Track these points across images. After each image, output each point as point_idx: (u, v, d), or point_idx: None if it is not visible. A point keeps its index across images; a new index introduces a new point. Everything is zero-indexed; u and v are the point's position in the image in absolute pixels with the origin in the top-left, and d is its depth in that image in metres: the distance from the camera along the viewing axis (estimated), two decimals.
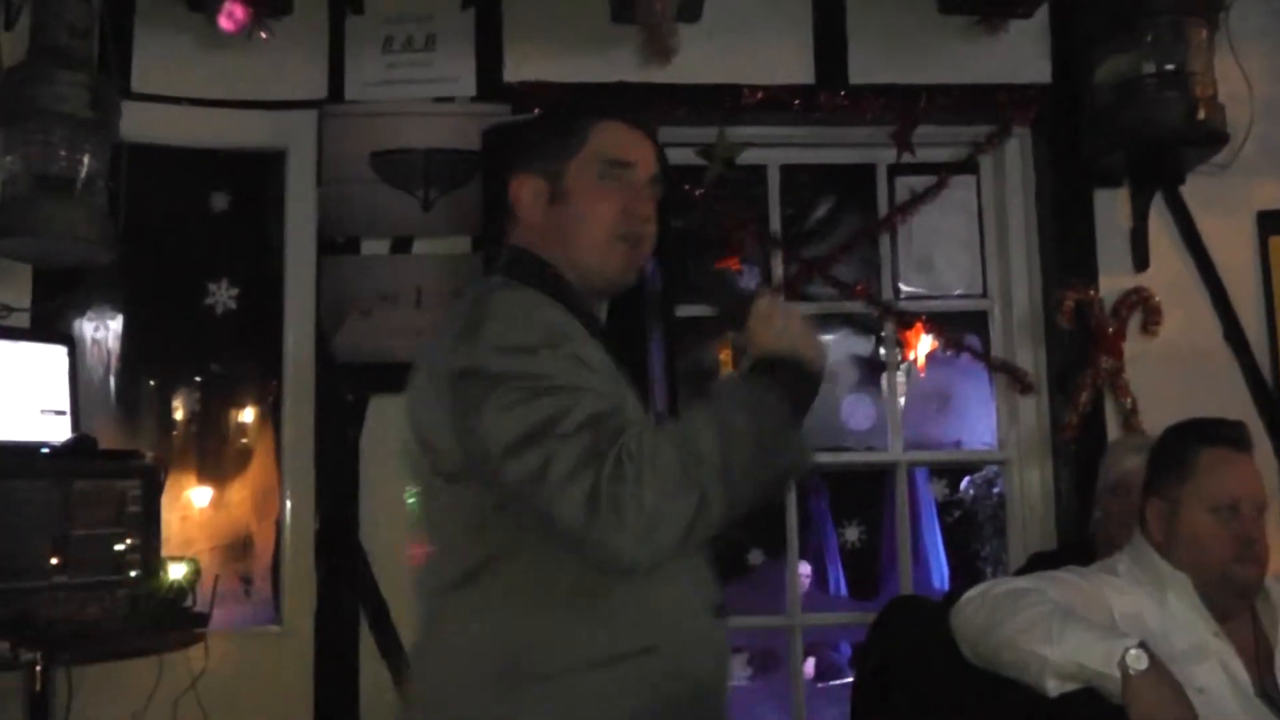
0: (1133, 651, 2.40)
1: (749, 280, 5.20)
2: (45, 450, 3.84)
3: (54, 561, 3.56)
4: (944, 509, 8.30)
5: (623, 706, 2.10)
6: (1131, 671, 2.39)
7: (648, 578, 2.05)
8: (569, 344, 2.10)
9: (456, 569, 2.19)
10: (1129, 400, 4.66)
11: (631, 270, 2.34)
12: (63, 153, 4.01)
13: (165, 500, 4.00)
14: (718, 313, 2.29)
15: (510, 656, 2.11)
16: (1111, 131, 4.61)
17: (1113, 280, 4.78)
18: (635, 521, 1.93)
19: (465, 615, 2.17)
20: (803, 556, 5.41)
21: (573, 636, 2.11)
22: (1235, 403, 4.63)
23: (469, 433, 2.07)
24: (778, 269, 4.97)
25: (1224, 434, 2.88)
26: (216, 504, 4.81)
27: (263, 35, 4.42)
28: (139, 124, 4.39)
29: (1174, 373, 4.70)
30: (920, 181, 4.98)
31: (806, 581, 7.44)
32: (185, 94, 4.66)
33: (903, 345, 4.92)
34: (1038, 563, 3.86)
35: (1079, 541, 4.18)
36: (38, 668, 3.49)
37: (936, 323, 4.91)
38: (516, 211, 2.39)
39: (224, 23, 4.32)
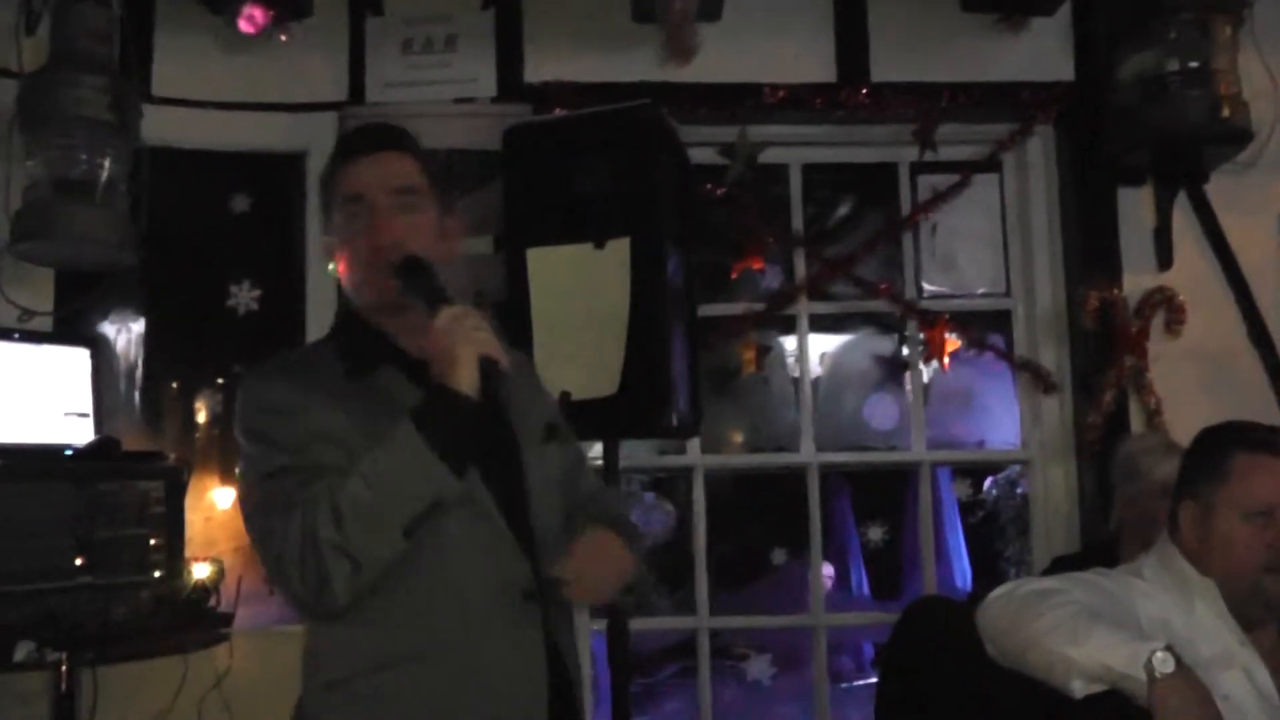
0: (1159, 654, 2.38)
1: (770, 280, 5.18)
2: (68, 452, 3.86)
3: (78, 562, 3.57)
4: (967, 509, 8.30)
5: (410, 706, 2.27)
6: (1157, 674, 2.37)
7: (423, 581, 2.26)
8: (276, 424, 2.31)
9: None
10: (1153, 400, 4.64)
11: (386, 290, 2.38)
12: (83, 156, 4.03)
13: (188, 501, 4.01)
14: (419, 300, 2.34)
15: (319, 665, 2.37)
16: (1135, 129, 4.59)
17: (1136, 279, 4.76)
18: (289, 582, 2.21)
19: (306, 633, 2.43)
20: (825, 556, 5.38)
21: (354, 642, 2.30)
22: (1259, 402, 4.61)
23: None
24: (800, 268, 4.96)
25: (1261, 439, 2.82)
26: None
27: (282, 37, 4.43)
28: (159, 127, 4.40)
29: (1198, 372, 4.69)
30: (943, 180, 4.96)
31: (829, 582, 7.43)
32: (206, 97, 4.68)
33: (926, 344, 4.89)
34: (1061, 566, 3.84)
35: (1102, 544, 4.16)
36: (63, 668, 3.51)
37: (960, 322, 4.89)
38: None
39: (244, 25, 4.33)
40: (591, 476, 2.79)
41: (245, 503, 2.34)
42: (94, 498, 3.64)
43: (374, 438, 2.21)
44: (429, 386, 2.23)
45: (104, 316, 4.61)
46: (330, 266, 2.54)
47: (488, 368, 2.21)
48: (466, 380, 2.19)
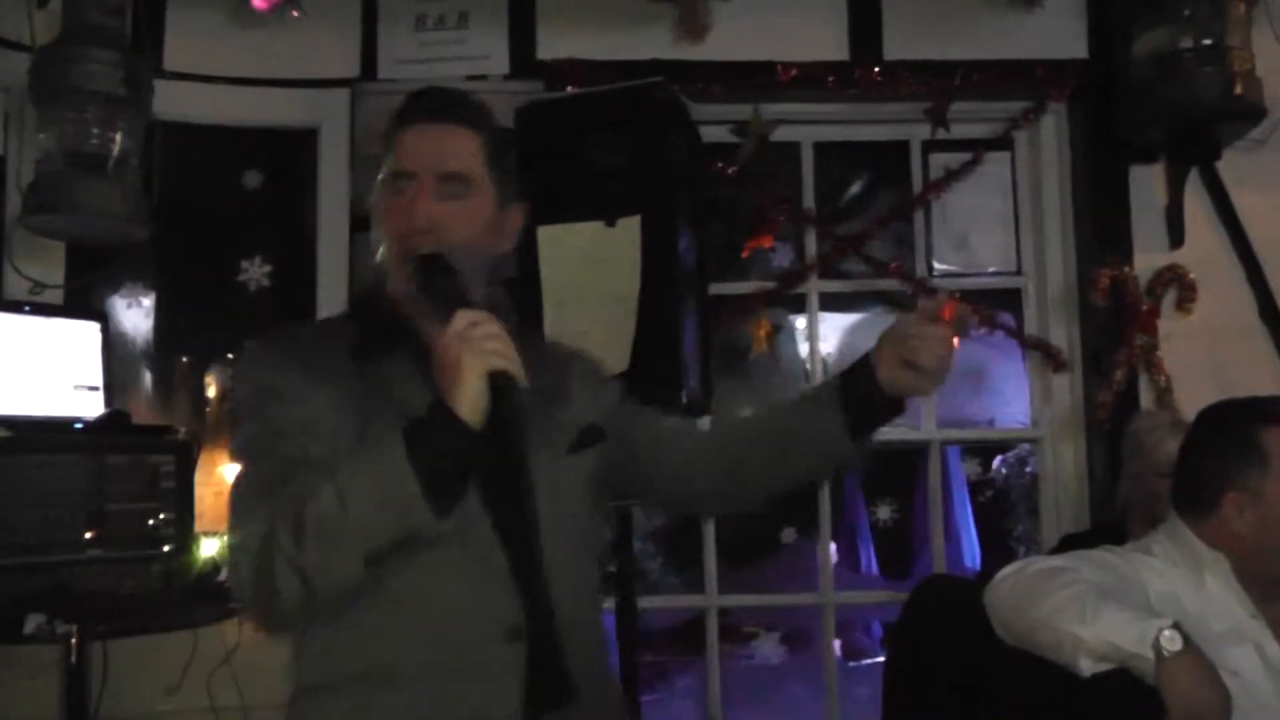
0: (1166, 633, 2.37)
1: (781, 258, 5.18)
2: (79, 425, 3.86)
3: (88, 535, 3.58)
4: (976, 488, 8.28)
5: None
6: (1165, 653, 2.36)
7: (405, 602, 2.08)
8: (268, 405, 2.19)
9: None
10: (1163, 378, 4.63)
11: (416, 285, 2.19)
12: (95, 131, 4.02)
13: (198, 476, 4.01)
14: (430, 301, 2.16)
15: (303, 665, 2.18)
16: (1148, 107, 4.57)
17: (1148, 257, 4.75)
18: (240, 584, 2.08)
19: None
20: (834, 535, 5.39)
21: (338, 647, 2.13)
22: (1269, 380, 4.59)
23: None
24: (811, 246, 4.95)
25: None
26: None
27: (295, 13, 4.43)
28: (172, 102, 4.40)
29: (1209, 350, 4.68)
30: (955, 158, 4.95)
31: (833, 559, 7.44)
32: (218, 72, 4.68)
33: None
34: (1070, 544, 3.84)
35: (1112, 522, 4.16)
36: (74, 641, 3.52)
37: (970, 300, 4.88)
38: None
39: (256, 1, 4.33)
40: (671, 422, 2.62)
41: (232, 484, 2.18)
42: (104, 471, 3.64)
43: (365, 432, 2.08)
44: (430, 403, 2.01)
45: (115, 290, 4.63)
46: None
47: (501, 383, 1.98)
48: (469, 400, 1.97)
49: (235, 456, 2.22)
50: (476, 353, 1.98)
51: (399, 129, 2.29)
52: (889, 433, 2.54)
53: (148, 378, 4.72)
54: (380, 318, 2.28)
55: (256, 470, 2.14)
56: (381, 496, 1.97)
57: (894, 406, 2.26)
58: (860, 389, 2.24)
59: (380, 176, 2.30)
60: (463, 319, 2.01)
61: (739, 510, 2.50)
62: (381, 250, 2.27)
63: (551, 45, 4.75)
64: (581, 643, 2.18)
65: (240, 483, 2.15)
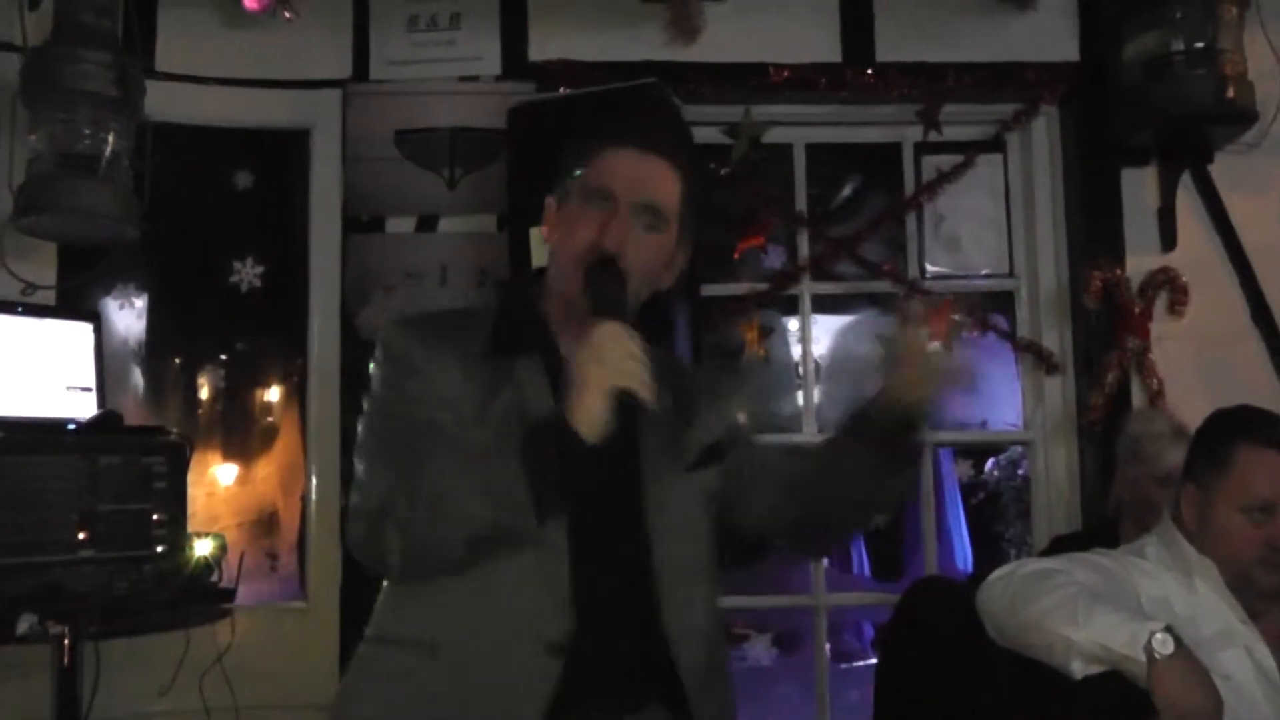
0: (1158, 635, 2.38)
1: (773, 260, 5.18)
2: (71, 426, 3.85)
3: (81, 536, 3.57)
4: (968, 489, 8.30)
5: (388, 685, 2.22)
6: (1157, 655, 2.37)
7: (462, 587, 2.16)
8: (403, 373, 2.24)
9: None
10: (1155, 381, 4.63)
11: (585, 283, 2.20)
12: (87, 131, 4.01)
13: (191, 477, 4.01)
14: (592, 302, 2.16)
15: (377, 617, 2.34)
16: (1140, 110, 4.58)
17: (1140, 260, 4.75)
18: (354, 540, 2.23)
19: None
20: None
21: (393, 610, 2.30)
22: (1261, 384, 4.61)
23: None
24: (803, 248, 4.96)
25: (1267, 432, 2.79)
26: (242, 481, 4.83)
27: (287, 14, 4.42)
28: (163, 103, 4.39)
29: (1200, 353, 4.68)
30: (947, 160, 4.96)
31: (825, 561, 7.45)
32: (210, 73, 4.68)
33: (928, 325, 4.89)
34: (1061, 546, 3.84)
35: (1103, 524, 4.16)
36: (66, 641, 3.51)
37: (962, 302, 4.87)
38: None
39: (248, 2, 4.33)
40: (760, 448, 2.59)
41: (357, 445, 2.27)
42: (97, 472, 3.63)
43: (484, 417, 2.14)
44: (553, 411, 2.05)
45: (107, 291, 4.63)
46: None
47: (627, 402, 1.98)
48: (590, 414, 1.98)
49: (364, 419, 2.27)
50: (609, 369, 2.00)
51: (605, 144, 2.31)
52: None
53: (140, 378, 4.71)
54: (520, 321, 2.32)
55: (386, 433, 2.23)
56: (490, 491, 2.02)
57: (908, 426, 2.40)
58: (868, 419, 2.38)
59: (568, 183, 2.33)
60: (605, 332, 2.03)
61: (811, 550, 2.62)
62: (547, 252, 2.32)
63: (543, 46, 4.74)
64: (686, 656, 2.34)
65: (367, 444, 2.24)
